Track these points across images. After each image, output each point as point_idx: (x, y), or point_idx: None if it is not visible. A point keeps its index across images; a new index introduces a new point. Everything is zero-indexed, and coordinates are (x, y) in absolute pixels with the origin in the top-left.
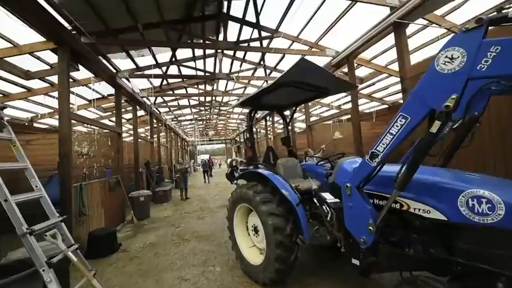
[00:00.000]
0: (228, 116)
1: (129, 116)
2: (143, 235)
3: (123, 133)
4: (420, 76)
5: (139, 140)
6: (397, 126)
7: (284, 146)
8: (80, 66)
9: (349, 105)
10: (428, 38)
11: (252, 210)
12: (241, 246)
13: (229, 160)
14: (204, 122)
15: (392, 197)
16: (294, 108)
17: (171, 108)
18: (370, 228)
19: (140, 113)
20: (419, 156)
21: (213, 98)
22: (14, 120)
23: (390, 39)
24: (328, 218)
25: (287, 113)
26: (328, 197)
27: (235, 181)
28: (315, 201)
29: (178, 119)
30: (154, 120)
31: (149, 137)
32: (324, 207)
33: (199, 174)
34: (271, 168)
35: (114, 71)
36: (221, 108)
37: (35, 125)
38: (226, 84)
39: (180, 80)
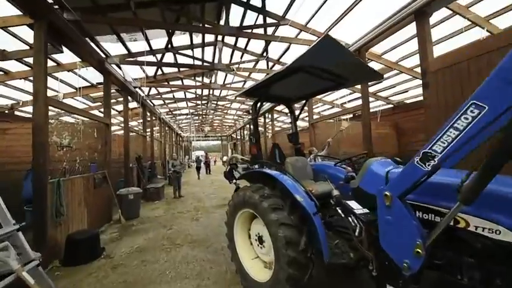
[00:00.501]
0: (225, 111)
1: (121, 107)
2: (130, 238)
3: (113, 125)
4: (446, 70)
5: (131, 133)
6: (465, 119)
7: (291, 143)
8: (65, 49)
9: (353, 104)
10: (451, 30)
11: (256, 216)
12: (243, 257)
13: (225, 158)
14: (200, 118)
15: (454, 211)
16: (304, 101)
17: (166, 101)
18: (418, 250)
19: (133, 105)
20: (502, 159)
21: (211, 92)
22: None
23: (404, 32)
24: (356, 233)
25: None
26: (354, 206)
27: (234, 181)
28: (338, 210)
29: (174, 113)
30: (148, 114)
31: (142, 131)
32: (350, 218)
33: (194, 171)
34: (279, 169)
35: (103, 55)
36: (218, 103)
37: (16, 113)
38: (225, 77)
39: (176, 70)
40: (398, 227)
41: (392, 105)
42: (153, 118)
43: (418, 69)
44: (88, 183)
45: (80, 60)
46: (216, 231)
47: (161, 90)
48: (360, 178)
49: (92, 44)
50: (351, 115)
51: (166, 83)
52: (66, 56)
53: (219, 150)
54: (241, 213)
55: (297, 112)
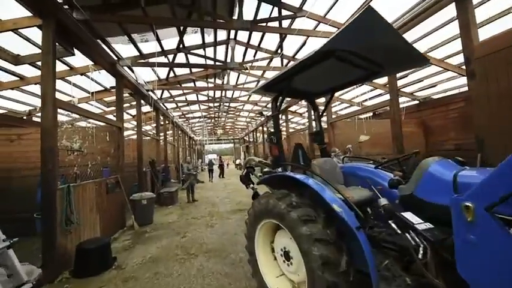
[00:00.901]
0: (238, 114)
1: (135, 111)
2: (143, 246)
3: (127, 129)
4: (495, 56)
5: (144, 137)
6: None
7: (315, 143)
8: (77, 52)
9: (373, 102)
10: (494, 12)
11: (280, 227)
12: (266, 274)
13: (238, 161)
14: (213, 121)
15: None
16: (330, 96)
17: (179, 104)
18: None
19: (146, 109)
20: None
21: (223, 93)
22: (9, 113)
23: (434, 19)
24: (420, 255)
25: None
26: (413, 219)
27: (251, 186)
28: (392, 225)
29: (186, 116)
30: (161, 117)
31: (155, 134)
32: (408, 235)
33: (206, 174)
34: (307, 172)
35: (114, 57)
36: (231, 105)
37: (34, 119)
38: (238, 77)
39: (188, 71)
40: (490, 251)
41: (418, 101)
42: (166, 122)
43: (450, 60)
44: (100, 189)
45: (93, 63)
46: (232, 240)
47: (174, 93)
48: (415, 183)
49: (104, 46)
50: (371, 113)
51: (178, 86)
52: (79, 59)
53: (231, 154)
54: (264, 223)
55: (320, 108)
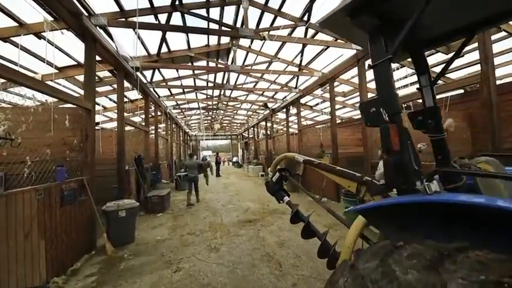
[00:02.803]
0: (239, 106)
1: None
2: None
3: (111, 120)
4: None
5: (129, 127)
6: None
7: (419, 129)
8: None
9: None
10: None
11: None
12: None
13: (235, 158)
14: (211, 113)
15: None
16: (466, 36)
17: (173, 92)
18: None
19: (135, 95)
20: None
21: (226, 77)
22: None
23: None
24: None
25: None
26: None
27: (286, 199)
28: None
29: (182, 107)
30: (152, 105)
31: (143, 125)
32: None
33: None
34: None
35: (80, 8)
36: (232, 95)
37: None
38: (245, 57)
39: (186, 47)
40: None
41: (463, 91)
42: (159, 113)
43: None
44: (49, 199)
45: (52, 19)
46: (251, 279)
47: (166, 75)
48: None
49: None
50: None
51: (172, 63)
52: (30, 13)
53: (226, 150)
54: None
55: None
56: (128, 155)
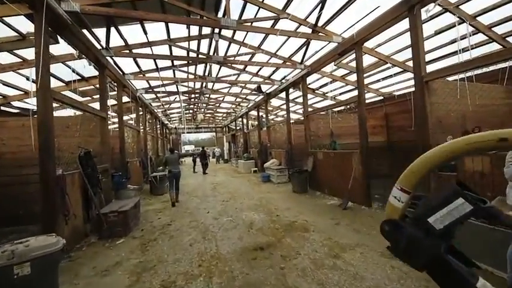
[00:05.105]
0: (222, 99)
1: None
2: None
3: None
4: None
5: (66, 106)
6: None
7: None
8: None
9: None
10: None
11: None
12: None
13: (217, 150)
14: (194, 100)
15: None
16: None
17: (142, 67)
18: None
19: (90, 72)
20: None
21: (208, 69)
22: None
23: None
24: None
25: None
26: None
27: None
28: None
29: (158, 95)
30: (115, 86)
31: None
32: None
33: (185, 168)
34: None
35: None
36: (214, 87)
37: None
38: (227, 48)
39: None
40: None
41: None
42: (126, 98)
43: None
44: None
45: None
46: None
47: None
48: None
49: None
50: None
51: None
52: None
53: (210, 144)
54: None
55: None
56: (67, 151)
